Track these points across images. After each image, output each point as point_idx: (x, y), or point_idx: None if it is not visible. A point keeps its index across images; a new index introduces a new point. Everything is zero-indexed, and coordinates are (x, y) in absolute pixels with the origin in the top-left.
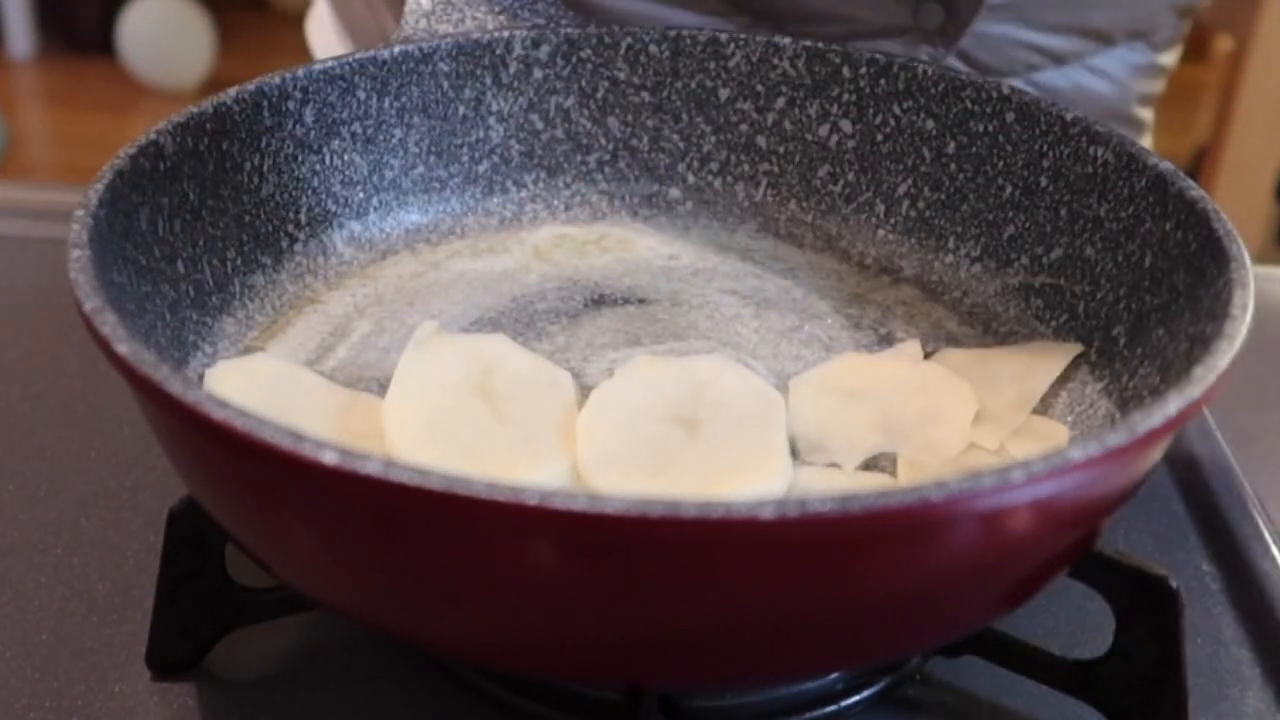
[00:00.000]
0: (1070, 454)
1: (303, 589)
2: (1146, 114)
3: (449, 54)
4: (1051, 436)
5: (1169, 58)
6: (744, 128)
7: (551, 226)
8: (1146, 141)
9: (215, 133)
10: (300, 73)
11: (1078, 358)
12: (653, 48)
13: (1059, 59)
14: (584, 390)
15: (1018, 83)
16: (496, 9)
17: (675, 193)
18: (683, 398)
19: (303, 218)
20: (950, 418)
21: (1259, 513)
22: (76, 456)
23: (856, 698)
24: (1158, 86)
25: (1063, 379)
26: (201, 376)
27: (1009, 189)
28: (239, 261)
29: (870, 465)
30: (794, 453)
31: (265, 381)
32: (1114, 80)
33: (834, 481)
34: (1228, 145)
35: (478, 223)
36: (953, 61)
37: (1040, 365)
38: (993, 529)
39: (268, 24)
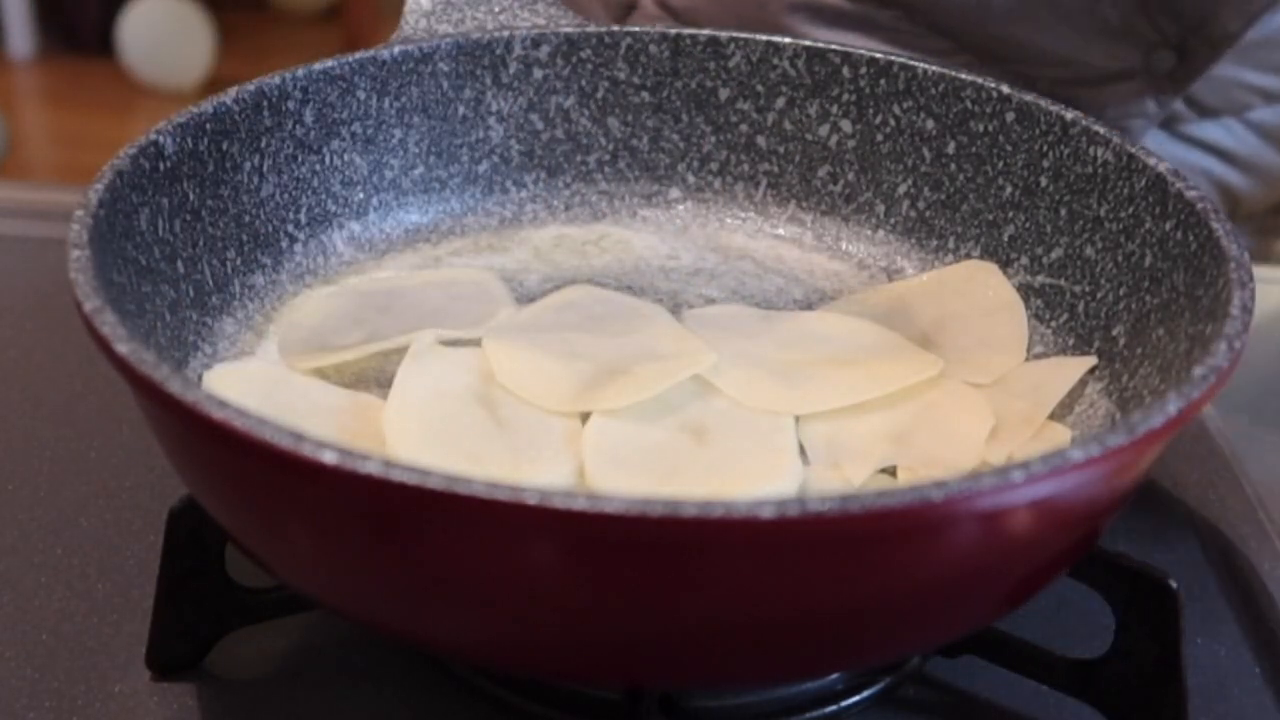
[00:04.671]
0: (1070, 454)
1: (303, 589)
2: None
3: (449, 54)
4: (1052, 437)
5: None
6: (744, 128)
7: (551, 226)
8: None
9: (215, 133)
10: (300, 73)
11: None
12: (653, 48)
13: (1271, 97)
14: None
15: (1231, 121)
16: (496, 9)
17: (675, 193)
18: (689, 404)
19: (303, 218)
20: (965, 433)
21: (1259, 513)
22: (76, 456)
23: (856, 698)
24: None
25: None
26: (201, 377)
27: (1009, 189)
28: (239, 261)
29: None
30: (804, 462)
31: (265, 382)
32: None
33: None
34: None
35: (478, 223)
36: (1178, 106)
37: (1052, 379)
38: (993, 529)
39: (268, 24)
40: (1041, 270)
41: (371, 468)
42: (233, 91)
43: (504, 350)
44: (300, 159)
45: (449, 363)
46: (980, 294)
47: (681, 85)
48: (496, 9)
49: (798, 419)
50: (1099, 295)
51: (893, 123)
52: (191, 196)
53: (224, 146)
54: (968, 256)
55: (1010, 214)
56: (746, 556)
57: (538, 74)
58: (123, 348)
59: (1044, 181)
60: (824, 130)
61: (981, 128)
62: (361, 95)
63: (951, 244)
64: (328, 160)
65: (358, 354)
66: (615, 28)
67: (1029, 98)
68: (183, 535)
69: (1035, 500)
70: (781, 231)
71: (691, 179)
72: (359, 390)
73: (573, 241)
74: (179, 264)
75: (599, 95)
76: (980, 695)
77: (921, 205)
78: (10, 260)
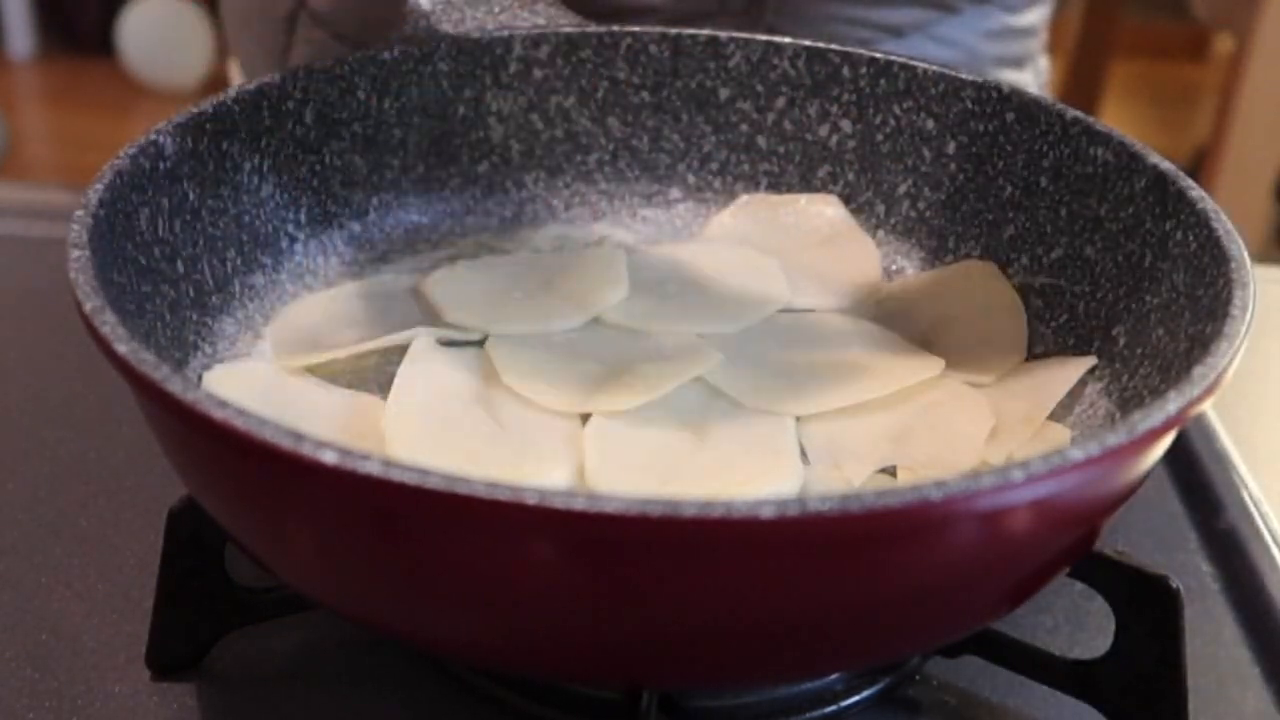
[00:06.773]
0: (1070, 454)
1: (303, 589)
2: (1018, 75)
3: (449, 54)
4: (1052, 437)
5: (1031, 18)
6: (744, 128)
7: (551, 226)
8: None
9: (215, 133)
10: (300, 73)
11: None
12: (653, 48)
13: (895, 31)
14: None
15: None
16: (496, 9)
17: (675, 193)
18: (690, 405)
19: (303, 218)
20: (965, 433)
21: (1259, 513)
22: (76, 456)
23: (856, 698)
24: (1023, 47)
25: None
26: (201, 377)
27: (1009, 189)
28: (239, 261)
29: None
30: (804, 462)
31: (264, 382)
32: (962, 47)
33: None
34: (1228, 145)
35: (478, 223)
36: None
37: (1052, 379)
38: (993, 529)
39: None
40: (1041, 270)
41: (371, 468)
42: (233, 91)
43: (508, 351)
44: (300, 159)
45: (449, 363)
46: (980, 294)
47: (681, 85)
48: (496, 9)
49: (798, 419)
50: (1099, 295)
51: (893, 123)
52: (191, 196)
53: (224, 146)
54: (968, 256)
55: (1010, 214)
56: (746, 556)
57: (538, 74)
58: (123, 348)
59: (1044, 181)
60: (824, 130)
61: (981, 128)
62: (361, 95)
63: (951, 244)
64: (328, 160)
65: (356, 353)
66: (615, 27)
67: (1029, 97)
68: (183, 535)
69: (1035, 500)
70: None
71: (691, 179)
72: (359, 390)
73: (573, 241)
74: (179, 264)
75: (599, 95)
76: (980, 695)
77: (921, 205)
78: (10, 260)
